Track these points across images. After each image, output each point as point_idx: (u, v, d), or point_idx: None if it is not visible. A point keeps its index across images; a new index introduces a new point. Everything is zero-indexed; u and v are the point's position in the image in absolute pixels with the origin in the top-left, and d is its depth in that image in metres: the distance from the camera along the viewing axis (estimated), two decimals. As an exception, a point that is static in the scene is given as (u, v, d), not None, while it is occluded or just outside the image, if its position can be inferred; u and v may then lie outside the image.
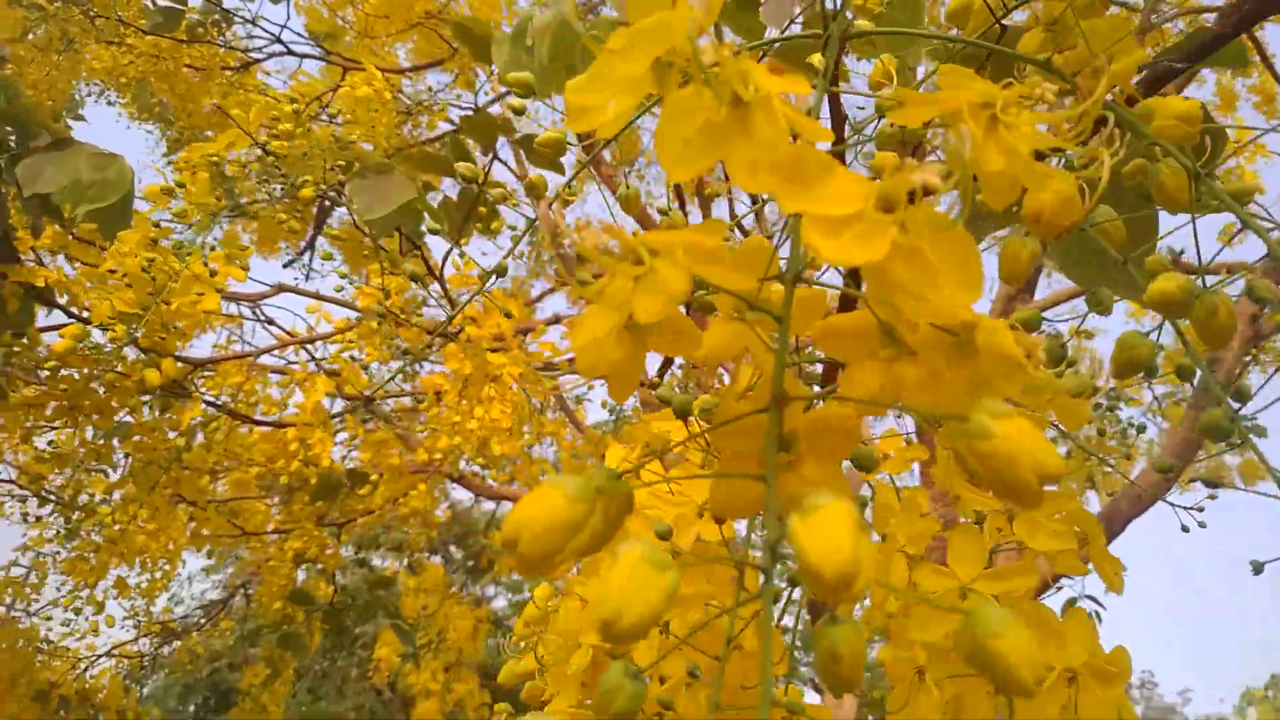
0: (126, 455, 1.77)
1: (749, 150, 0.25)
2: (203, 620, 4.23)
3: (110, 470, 1.83)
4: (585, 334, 0.26)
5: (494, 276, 0.62)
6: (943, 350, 0.30)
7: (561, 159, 1.76)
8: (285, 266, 3.20)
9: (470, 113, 4.19)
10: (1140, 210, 0.66)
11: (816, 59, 0.55)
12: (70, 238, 1.44)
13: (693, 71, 0.25)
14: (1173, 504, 1.19)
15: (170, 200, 1.15)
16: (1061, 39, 0.60)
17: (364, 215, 1.13)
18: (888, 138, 0.48)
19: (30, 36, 2.39)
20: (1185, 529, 1.13)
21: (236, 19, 2.74)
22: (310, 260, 3.18)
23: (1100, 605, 1.30)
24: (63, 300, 1.45)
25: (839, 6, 0.46)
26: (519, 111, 0.59)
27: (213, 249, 1.15)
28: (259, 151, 1.43)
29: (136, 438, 1.66)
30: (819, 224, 0.24)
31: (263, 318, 2.14)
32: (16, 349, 1.29)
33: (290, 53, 2.83)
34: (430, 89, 4.28)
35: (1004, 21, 0.64)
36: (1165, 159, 0.41)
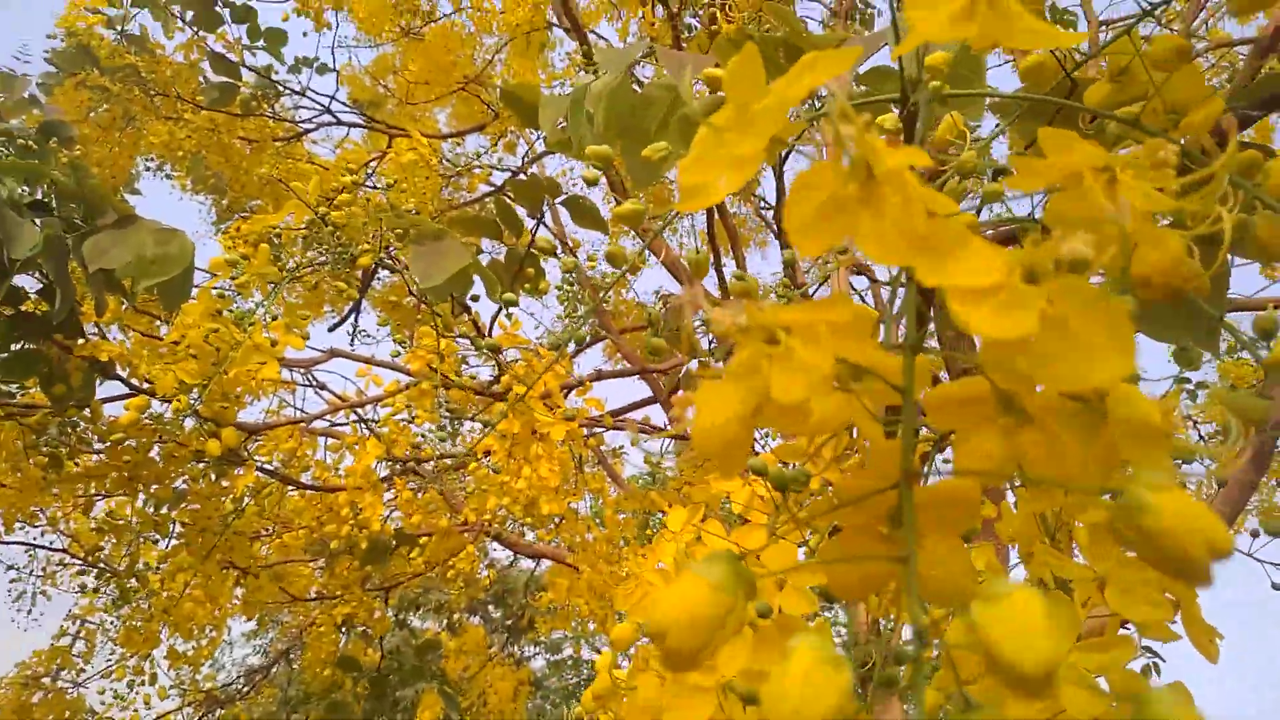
0: (180, 523, 1.79)
1: (880, 224, 0.25)
2: (245, 688, 4.21)
3: (163, 538, 1.85)
4: (710, 416, 0.25)
5: (568, 344, 0.62)
6: (1067, 417, 0.29)
7: (603, 219, 1.76)
8: (331, 330, 3.26)
9: (515, 176, 4.27)
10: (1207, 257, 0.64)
11: (889, 120, 0.54)
12: (132, 310, 1.48)
13: (828, 149, 0.25)
14: (1255, 557, 1.14)
15: (232, 271, 1.17)
16: (1129, 90, 0.60)
17: (422, 283, 1.14)
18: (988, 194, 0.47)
19: (92, 115, 2.49)
20: (1276, 586, 1.07)
21: (285, 91, 2.84)
22: (357, 322, 3.23)
23: (1159, 658, 1.24)
24: (124, 373, 1.49)
25: (919, 72, 0.46)
26: (592, 183, 0.60)
27: (274, 319, 1.17)
28: (312, 218, 1.46)
29: (192, 505, 1.68)
30: (963, 296, 0.23)
31: (314, 382, 2.17)
32: (80, 421, 1.31)
33: (339, 122, 2.91)
34: (476, 153, 4.37)
35: (1073, 75, 0.63)
36: (1263, 210, 0.40)
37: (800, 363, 0.23)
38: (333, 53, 3.62)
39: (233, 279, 1.15)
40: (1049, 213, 0.33)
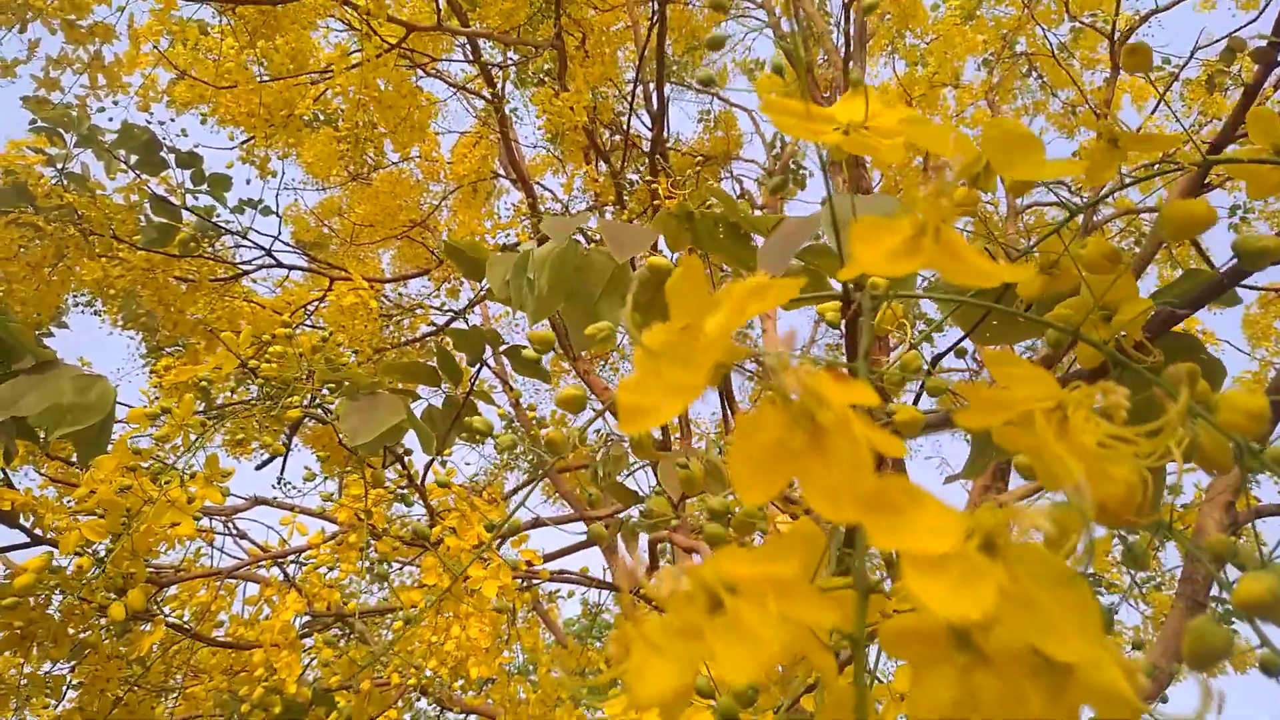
0: (77, 683, 1.65)
1: (828, 476, 0.23)
2: None
3: (56, 700, 1.69)
4: (648, 687, 0.23)
5: (502, 531, 0.59)
6: (1028, 668, 0.28)
7: (543, 365, 1.75)
8: (259, 469, 3.14)
9: (458, 323, 4.28)
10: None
11: (831, 312, 0.55)
12: (45, 457, 1.40)
13: (770, 395, 0.24)
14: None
15: (151, 425, 1.12)
16: (1062, 282, 0.62)
17: (352, 441, 1.11)
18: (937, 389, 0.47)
19: (23, 251, 2.44)
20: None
21: (226, 232, 2.83)
22: (284, 470, 3.13)
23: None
24: (28, 522, 1.39)
25: (864, 286, 0.46)
26: (535, 361, 0.59)
27: (192, 475, 1.11)
28: (241, 369, 1.42)
29: (91, 667, 1.54)
30: (917, 564, 0.22)
31: (235, 531, 2.07)
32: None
33: (279, 264, 2.90)
34: (418, 303, 4.38)
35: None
36: (1203, 423, 0.40)
37: (747, 633, 0.21)
38: (277, 196, 3.65)
39: (152, 432, 1.10)
40: (998, 436, 0.33)
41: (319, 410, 1.34)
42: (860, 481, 0.23)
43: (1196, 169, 0.83)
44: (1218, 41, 4.58)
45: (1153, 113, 4.76)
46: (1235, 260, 0.60)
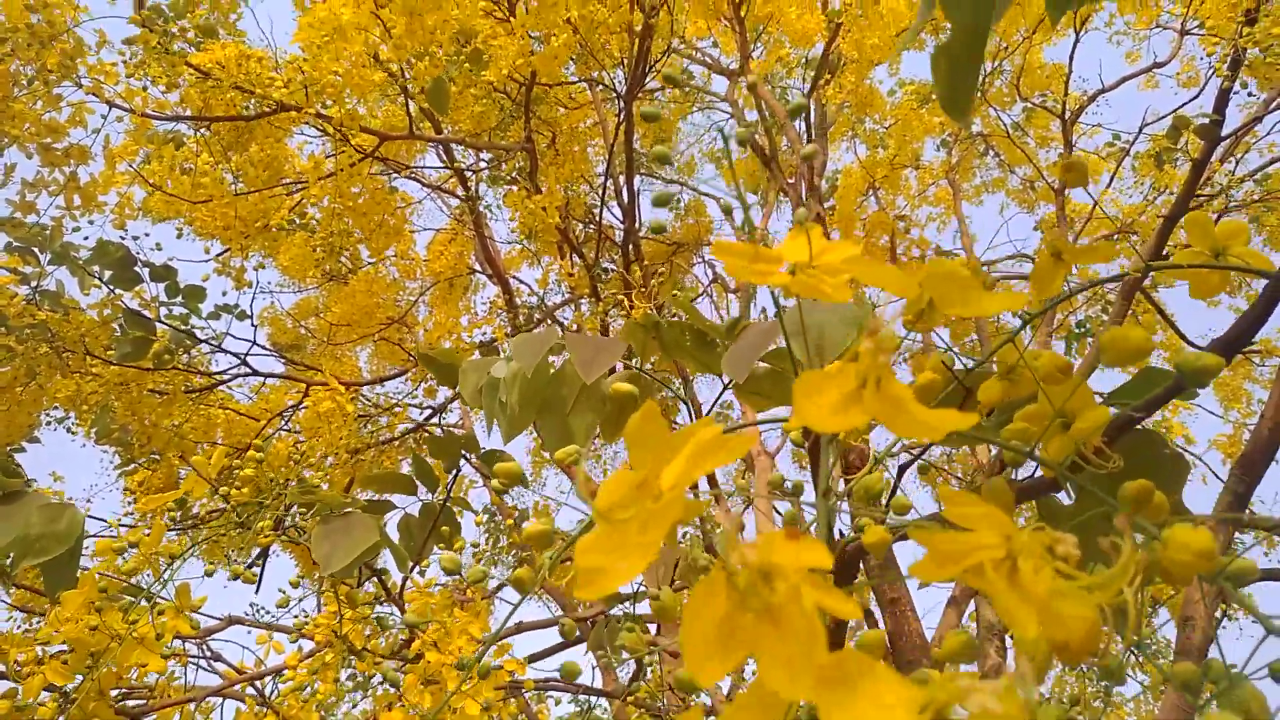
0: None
1: (783, 649, 0.23)
2: None
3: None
4: None
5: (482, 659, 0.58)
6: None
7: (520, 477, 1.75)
8: (232, 579, 3.07)
9: (437, 418, 4.26)
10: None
11: (795, 431, 0.55)
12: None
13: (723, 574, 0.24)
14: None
15: (120, 556, 1.10)
16: (1021, 388, 0.63)
17: (325, 568, 1.09)
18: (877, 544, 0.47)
19: (-6, 372, 2.42)
20: None
21: (201, 341, 2.83)
22: (262, 575, 3.05)
23: None
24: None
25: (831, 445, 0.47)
26: (502, 492, 0.59)
27: (160, 613, 1.08)
28: (212, 492, 1.40)
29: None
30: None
31: (209, 653, 2.00)
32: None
33: (255, 373, 2.89)
34: (393, 404, 4.36)
35: (970, 378, 0.66)
36: (1170, 552, 0.41)
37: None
38: (252, 301, 3.67)
39: (120, 566, 1.08)
40: (959, 579, 0.33)
41: (292, 531, 1.32)
42: (814, 656, 0.23)
43: (1138, 276, 0.85)
44: (1164, 118, 4.77)
45: (1107, 187, 4.92)
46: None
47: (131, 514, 3.47)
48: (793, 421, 0.31)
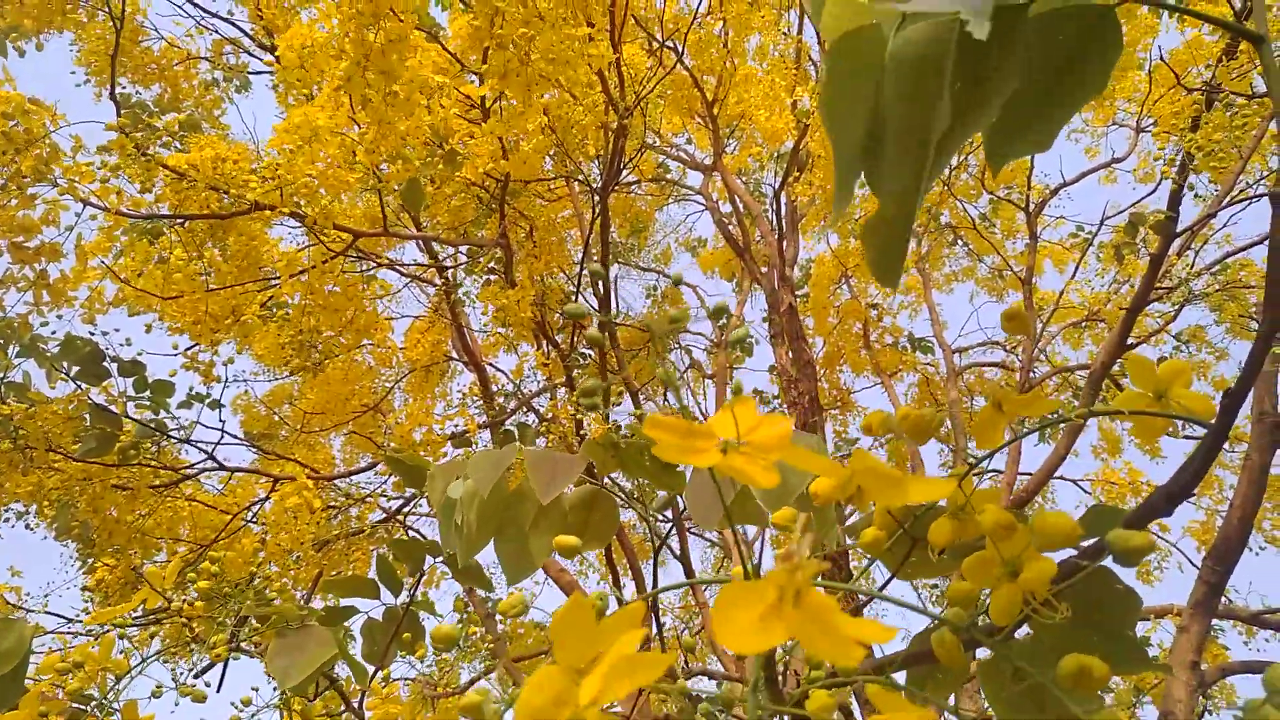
0: None
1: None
2: None
3: None
4: None
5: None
6: None
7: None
8: (196, 676, 2.96)
9: (408, 503, 4.20)
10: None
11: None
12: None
13: None
14: None
15: (64, 680, 1.06)
16: (969, 531, 0.63)
17: (281, 684, 1.06)
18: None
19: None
20: None
21: (169, 436, 2.79)
22: (223, 677, 2.95)
23: None
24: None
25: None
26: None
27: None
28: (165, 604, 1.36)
29: None
30: None
31: (159, 768, 1.91)
32: None
33: (222, 467, 2.85)
34: (362, 487, 4.31)
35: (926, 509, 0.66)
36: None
37: None
38: (223, 389, 3.64)
39: (66, 685, 1.04)
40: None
41: (248, 644, 1.28)
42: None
43: (1083, 419, 0.87)
44: (1124, 211, 4.92)
45: (1073, 277, 5.04)
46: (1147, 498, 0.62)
47: (91, 607, 3.36)
48: (715, 636, 0.31)
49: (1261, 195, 3.45)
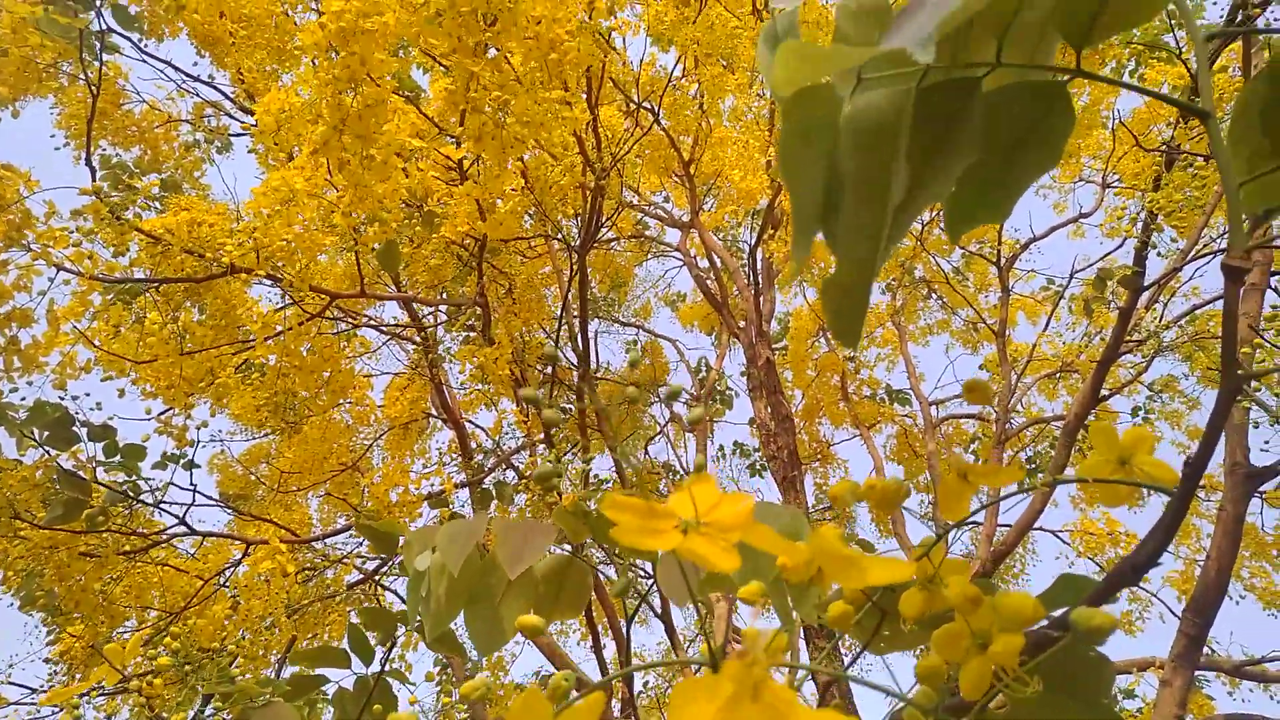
0: None
1: None
2: None
3: None
4: None
5: None
6: None
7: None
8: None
9: (384, 565, 4.13)
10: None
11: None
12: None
13: None
14: None
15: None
16: (939, 603, 0.62)
17: (245, 767, 1.02)
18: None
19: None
20: None
21: (139, 502, 2.74)
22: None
23: None
24: None
25: None
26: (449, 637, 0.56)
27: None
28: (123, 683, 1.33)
29: None
30: None
31: None
32: None
33: (193, 531, 2.80)
34: (338, 548, 4.24)
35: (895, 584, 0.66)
36: None
37: None
38: (194, 450, 3.58)
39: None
40: None
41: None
42: None
43: (1049, 487, 0.88)
44: (1093, 264, 5.01)
45: (1044, 330, 5.10)
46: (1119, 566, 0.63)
47: (57, 677, 3.25)
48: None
49: (1224, 250, 3.53)
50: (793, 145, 0.51)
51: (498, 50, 1.86)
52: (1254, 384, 3.03)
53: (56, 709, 1.16)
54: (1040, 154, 0.60)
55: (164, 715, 1.16)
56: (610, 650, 4.93)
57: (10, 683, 3.80)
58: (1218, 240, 3.70)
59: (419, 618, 0.92)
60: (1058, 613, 0.69)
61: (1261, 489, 4.39)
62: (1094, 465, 0.65)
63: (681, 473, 6.53)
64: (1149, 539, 0.63)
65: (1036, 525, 4.23)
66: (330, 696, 1.71)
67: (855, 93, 0.50)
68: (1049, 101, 0.58)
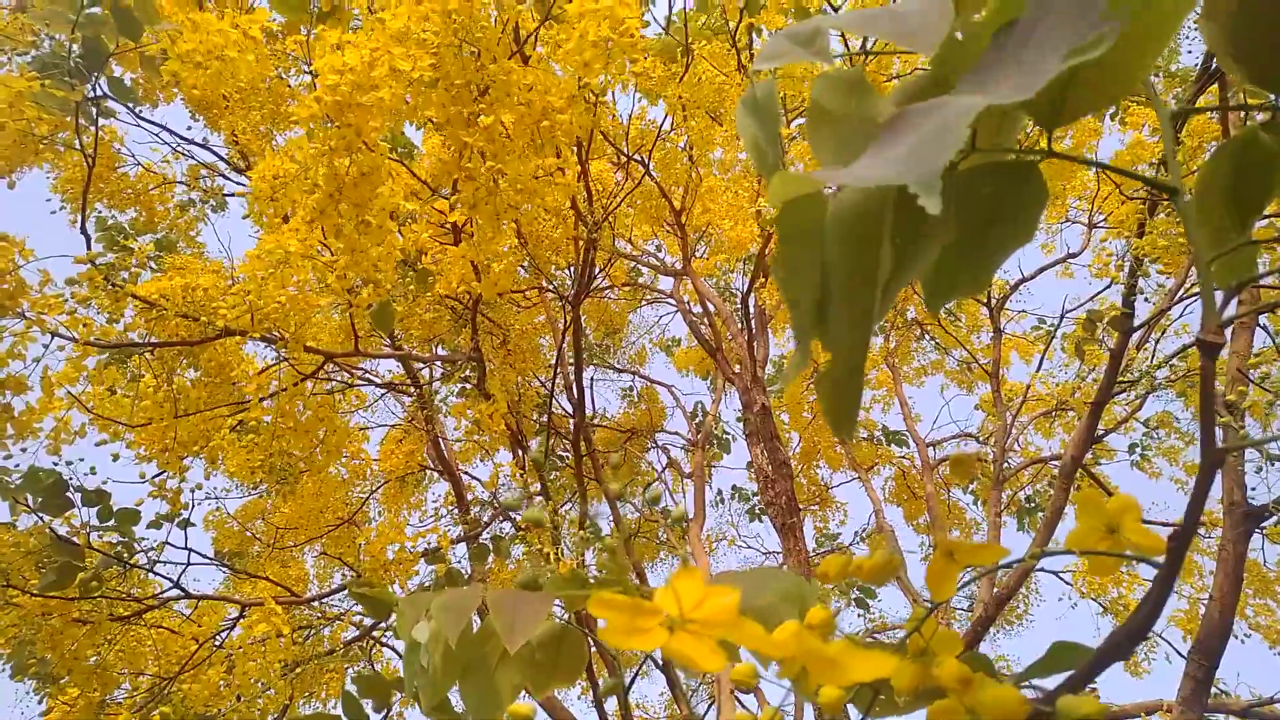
0: None
1: None
2: None
3: None
4: None
5: None
6: None
7: None
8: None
9: (375, 627, 4.09)
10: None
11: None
12: None
13: None
14: None
15: None
16: (931, 677, 0.63)
17: None
18: None
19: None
20: None
21: (133, 566, 2.72)
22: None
23: None
24: None
25: None
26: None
27: None
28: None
29: None
30: None
31: None
32: None
33: (187, 595, 2.77)
34: (334, 607, 4.20)
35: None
36: None
37: None
38: (190, 508, 3.56)
39: None
40: None
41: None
42: None
43: (1035, 560, 0.88)
44: (1084, 304, 5.04)
45: (1038, 369, 5.12)
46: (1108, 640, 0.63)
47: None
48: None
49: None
50: (788, 254, 0.52)
51: (489, 118, 1.89)
52: (1240, 424, 3.03)
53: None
54: (1014, 228, 0.61)
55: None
56: (611, 706, 4.86)
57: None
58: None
59: (414, 688, 0.91)
60: (1051, 681, 0.69)
61: (1262, 525, 4.38)
62: (1081, 535, 0.65)
63: (682, 520, 6.48)
64: (1140, 608, 0.64)
65: (1039, 567, 4.20)
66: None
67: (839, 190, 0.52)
68: (1021, 178, 0.60)
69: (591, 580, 0.94)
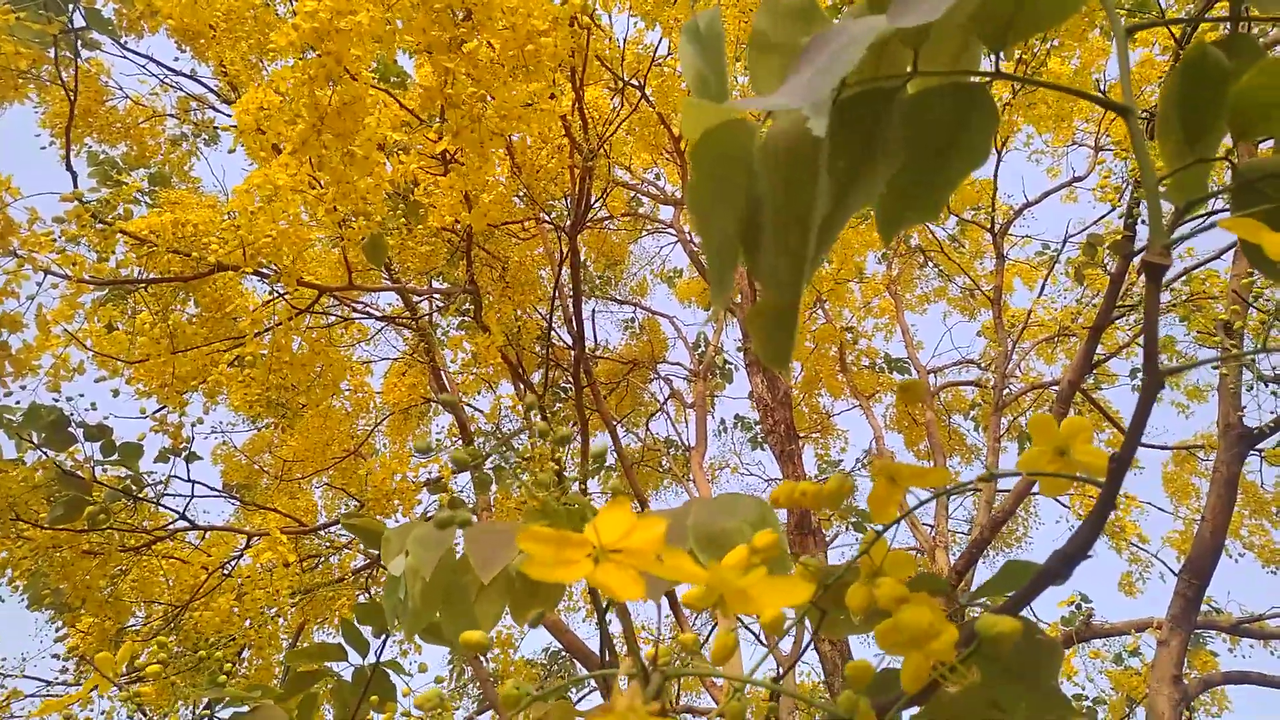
0: None
1: None
2: None
3: None
4: None
5: None
6: None
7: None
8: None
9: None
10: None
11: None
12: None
13: None
14: None
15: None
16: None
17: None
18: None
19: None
20: None
21: (139, 499, 2.78)
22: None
23: None
24: None
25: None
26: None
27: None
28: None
29: None
30: None
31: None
32: None
33: (193, 526, 2.84)
34: (339, 537, 4.29)
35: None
36: None
37: None
38: (191, 441, 3.61)
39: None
40: None
41: None
42: None
43: (986, 482, 0.89)
44: (1088, 228, 4.99)
45: (1040, 294, 5.10)
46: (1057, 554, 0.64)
47: (69, 670, 3.31)
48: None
49: (1215, 213, 3.52)
50: (703, 185, 0.50)
51: (474, 42, 1.86)
52: (1251, 345, 3.02)
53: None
54: (967, 152, 0.60)
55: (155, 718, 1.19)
56: (615, 627, 4.99)
57: (25, 675, 3.87)
58: (1212, 200, 3.67)
59: (396, 620, 0.94)
60: (1002, 601, 0.71)
61: (1259, 447, 4.41)
62: (1033, 457, 0.66)
63: (683, 448, 6.56)
64: (1081, 530, 0.65)
65: (1034, 490, 4.25)
66: (331, 689, 1.75)
67: (768, 118, 0.51)
68: (970, 102, 0.59)
69: (564, 510, 0.96)
